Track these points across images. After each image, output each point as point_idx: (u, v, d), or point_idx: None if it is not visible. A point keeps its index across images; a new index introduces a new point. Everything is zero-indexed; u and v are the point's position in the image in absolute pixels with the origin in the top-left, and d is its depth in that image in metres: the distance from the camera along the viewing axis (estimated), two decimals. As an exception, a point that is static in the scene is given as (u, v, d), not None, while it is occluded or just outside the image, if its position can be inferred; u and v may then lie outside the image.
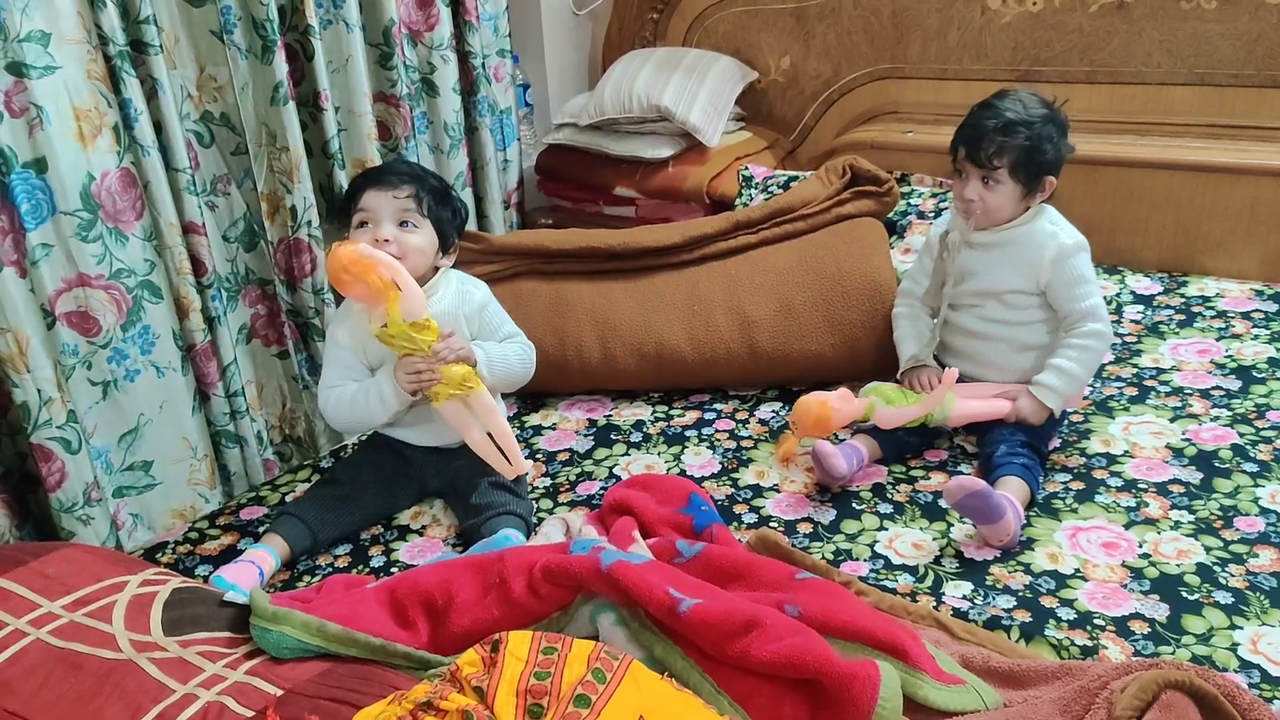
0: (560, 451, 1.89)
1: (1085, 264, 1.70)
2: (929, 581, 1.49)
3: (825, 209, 2.05)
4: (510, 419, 1.92)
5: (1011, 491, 1.57)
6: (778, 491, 1.72)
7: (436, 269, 1.69)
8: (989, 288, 1.74)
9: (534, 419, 2.00)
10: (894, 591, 1.47)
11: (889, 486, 1.70)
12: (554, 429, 1.96)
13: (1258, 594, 1.40)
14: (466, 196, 2.42)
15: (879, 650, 1.22)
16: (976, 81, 2.52)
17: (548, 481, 1.79)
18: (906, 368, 1.80)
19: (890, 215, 2.27)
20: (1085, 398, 1.87)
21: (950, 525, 1.60)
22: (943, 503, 1.62)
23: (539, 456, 1.88)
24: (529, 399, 2.05)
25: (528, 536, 1.60)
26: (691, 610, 1.20)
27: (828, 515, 1.65)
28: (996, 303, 1.74)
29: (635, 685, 0.99)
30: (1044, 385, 1.68)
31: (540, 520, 1.68)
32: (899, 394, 1.75)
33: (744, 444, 1.85)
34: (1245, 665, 1.29)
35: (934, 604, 1.45)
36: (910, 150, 2.52)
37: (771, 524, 1.64)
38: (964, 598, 1.45)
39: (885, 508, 1.66)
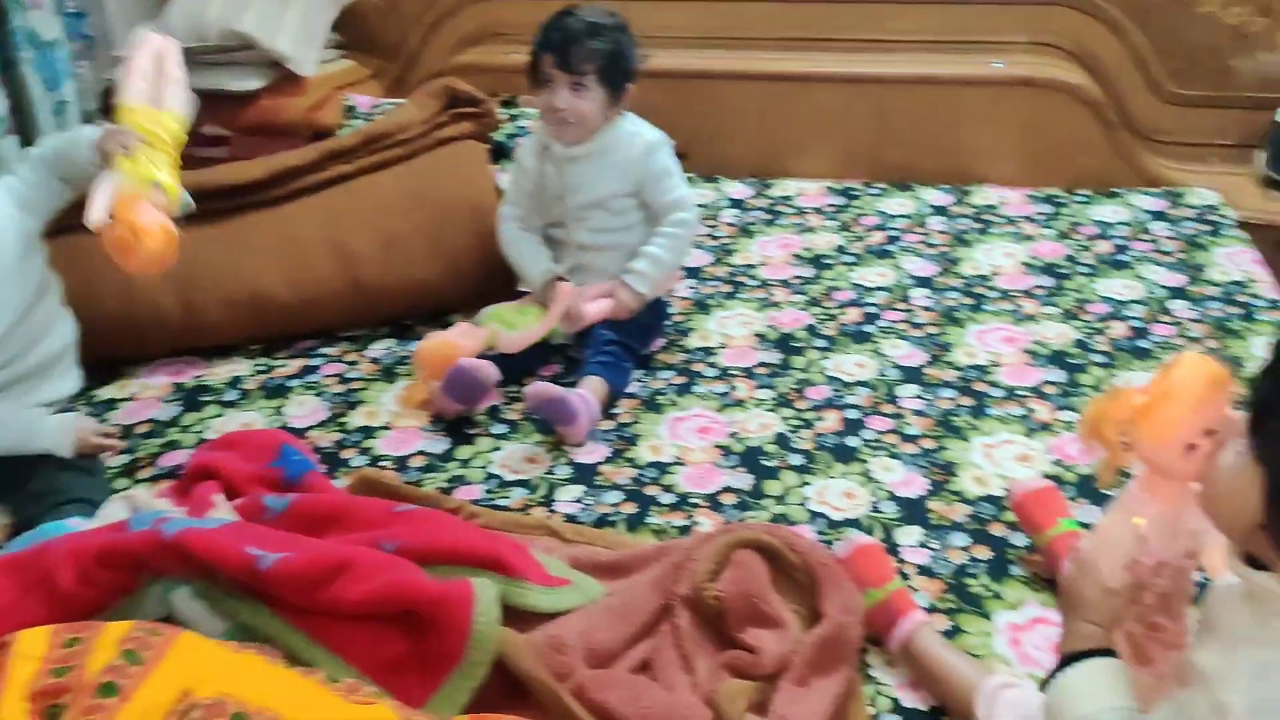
0: (140, 423, 1.70)
1: (669, 157, 1.78)
2: (542, 492, 1.51)
3: (424, 133, 1.99)
4: (77, 395, 1.69)
5: (591, 390, 1.63)
6: (389, 430, 1.67)
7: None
8: (593, 199, 1.77)
9: (106, 392, 1.77)
10: (507, 508, 1.48)
11: (502, 407, 1.71)
12: (131, 400, 1.76)
13: (823, 452, 1.56)
14: (9, 145, 2.10)
15: (480, 568, 1.22)
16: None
17: (126, 459, 1.61)
18: (545, 281, 1.77)
19: (500, 138, 2.25)
20: (685, 297, 1.98)
21: (561, 434, 1.63)
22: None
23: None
24: (98, 370, 1.77)
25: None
26: (274, 565, 1.13)
27: (440, 445, 1.63)
28: (603, 212, 1.78)
29: (180, 658, 0.91)
30: (636, 271, 1.76)
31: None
32: (518, 314, 1.75)
33: (354, 386, 1.78)
34: (814, 515, 1.43)
35: (547, 513, 1.47)
36: (517, 72, 2.49)
37: (382, 463, 1.59)
38: (575, 500, 1.49)
39: (499, 428, 1.66)
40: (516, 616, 1.21)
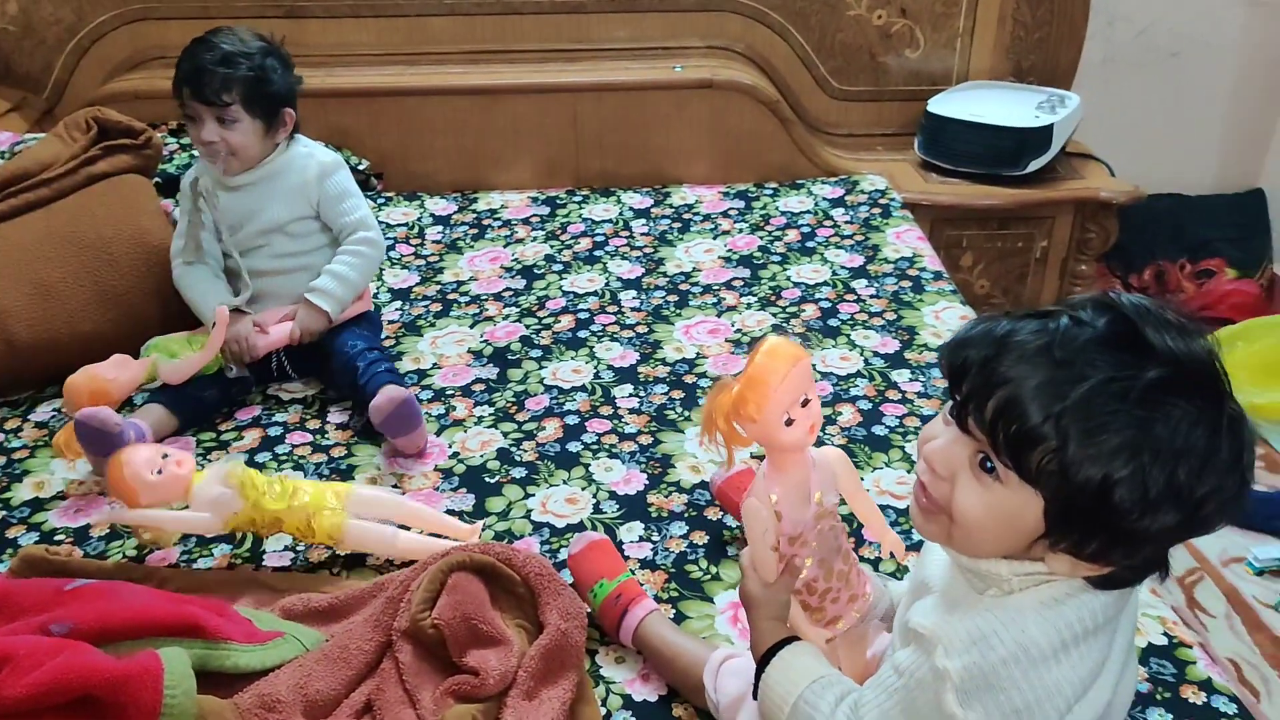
0: None
1: (346, 179, 1.72)
2: (246, 546, 1.40)
3: (71, 170, 1.79)
4: None
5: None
6: (64, 499, 1.49)
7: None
8: (268, 224, 1.67)
9: None
10: (209, 569, 1.36)
11: (199, 456, 1.57)
12: None
13: (545, 461, 1.55)
14: None
15: (171, 636, 1.11)
16: (245, 19, 2.39)
17: None
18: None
19: (172, 169, 2.08)
20: (394, 321, 1.91)
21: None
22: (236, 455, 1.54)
23: None
24: None
25: None
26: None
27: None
28: (282, 236, 1.69)
29: None
30: (320, 290, 1.68)
31: None
32: (184, 344, 1.61)
33: (17, 455, 1.57)
34: (538, 526, 1.42)
35: (254, 566, 1.37)
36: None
37: (58, 537, 1.42)
38: (286, 549, 1.39)
39: (194, 480, 1.52)
40: (223, 681, 1.11)
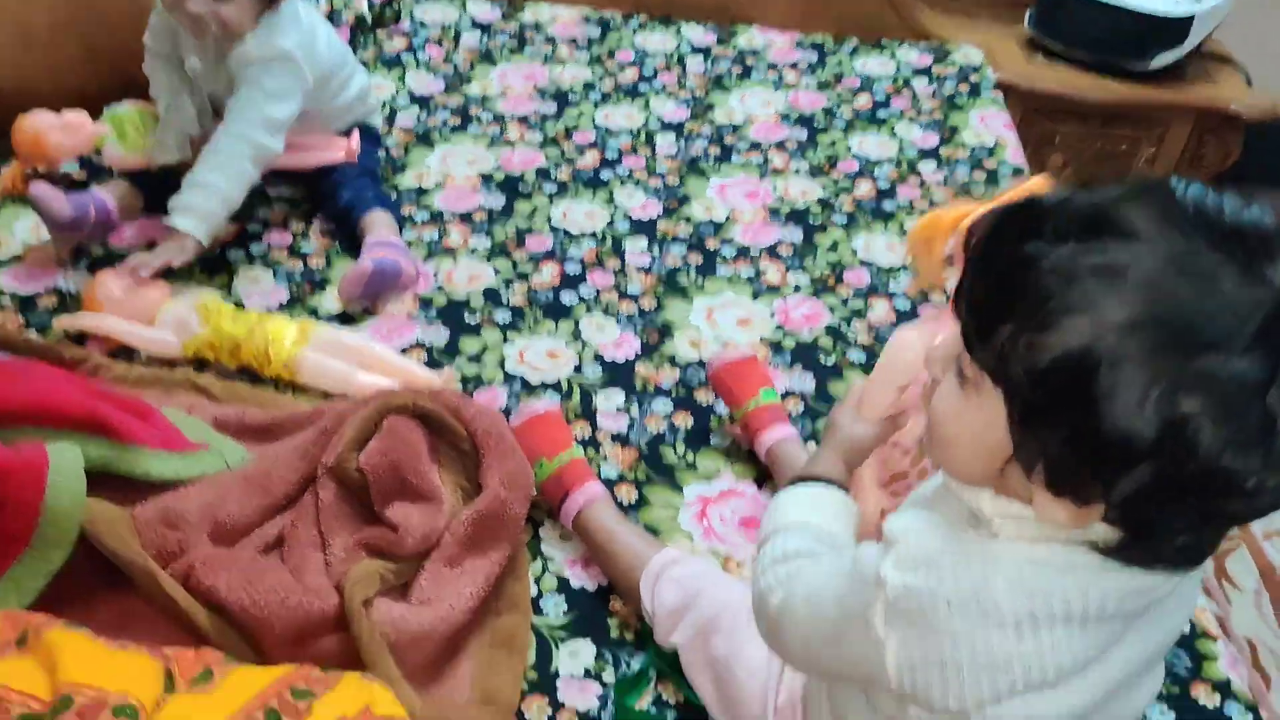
0: None
1: (277, 74, 1.37)
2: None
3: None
4: None
5: (387, 230, 1.44)
6: (19, 261, 1.38)
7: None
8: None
9: None
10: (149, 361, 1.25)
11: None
12: None
13: (534, 308, 1.40)
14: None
15: (74, 430, 1.00)
16: None
17: None
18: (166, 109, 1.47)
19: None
20: (408, 129, 1.74)
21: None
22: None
23: None
24: None
25: None
26: None
27: (81, 279, 1.36)
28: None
29: None
30: (181, 209, 1.34)
31: None
32: (137, 124, 1.45)
33: (-23, 209, 1.46)
34: (509, 378, 1.28)
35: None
36: None
37: (2, 300, 1.31)
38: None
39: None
40: (130, 488, 1.01)
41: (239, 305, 1.35)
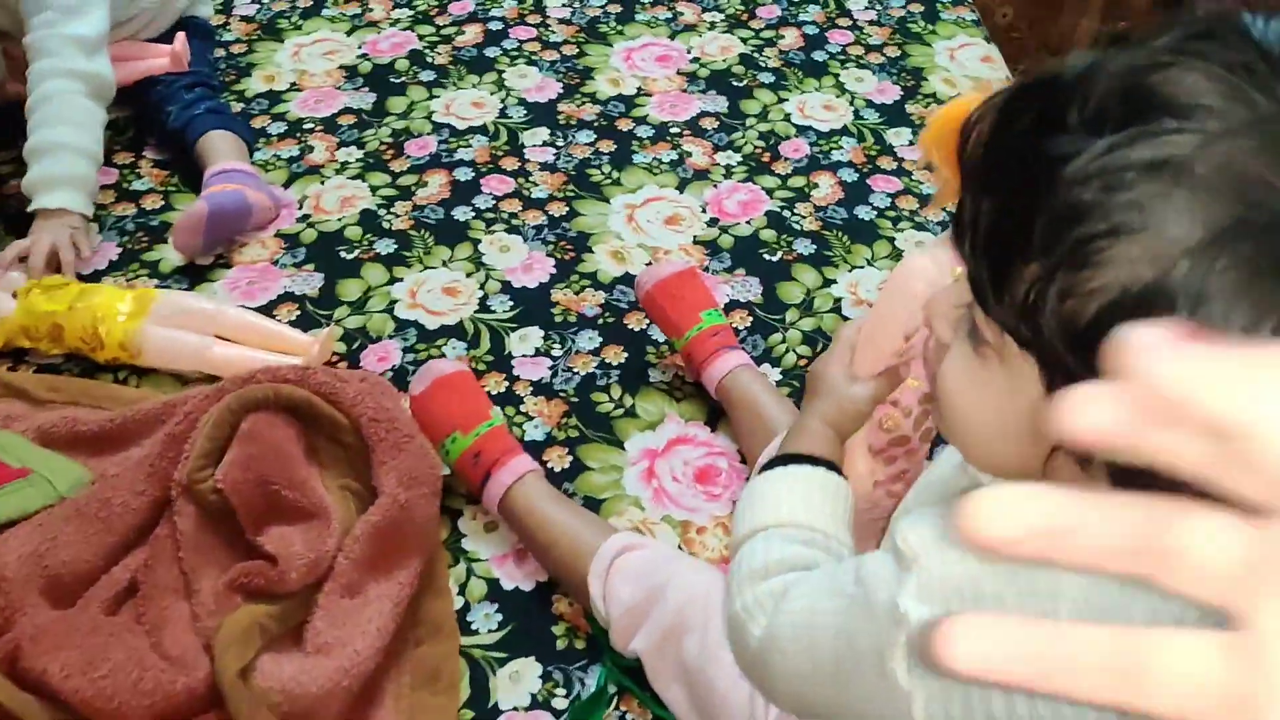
0: None
1: None
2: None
3: None
4: None
5: (228, 151, 1.19)
6: None
7: None
8: None
9: None
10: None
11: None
12: None
13: (422, 232, 1.17)
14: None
15: None
16: None
17: None
18: None
19: None
20: (247, 19, 1.45)
21: None
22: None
23: None
24: None
25: None
26: None
27: None
28: None
29: None
30: (38, 182, 1.10)
31: None
32: None
33: None
34: (402, 325, 1.07)
35: (9, 365, 1.02)
36: None
37: None
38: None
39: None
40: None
41: (55, 272, 1.10)
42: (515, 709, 0.78)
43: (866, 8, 1.54)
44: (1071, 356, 0.38)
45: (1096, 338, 0.36)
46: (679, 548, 0.87)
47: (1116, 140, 0.36)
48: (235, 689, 0.70)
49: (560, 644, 0.82)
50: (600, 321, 1.07)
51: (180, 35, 1.26)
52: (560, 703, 0.79)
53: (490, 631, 0.82)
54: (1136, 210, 0.35)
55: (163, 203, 1.21)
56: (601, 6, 1.51)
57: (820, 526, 0.61)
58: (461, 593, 0.84)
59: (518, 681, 0.80)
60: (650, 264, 1.12)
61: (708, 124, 1.33)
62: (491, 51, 1.42)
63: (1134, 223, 0.35)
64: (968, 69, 1.43)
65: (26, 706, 0.70)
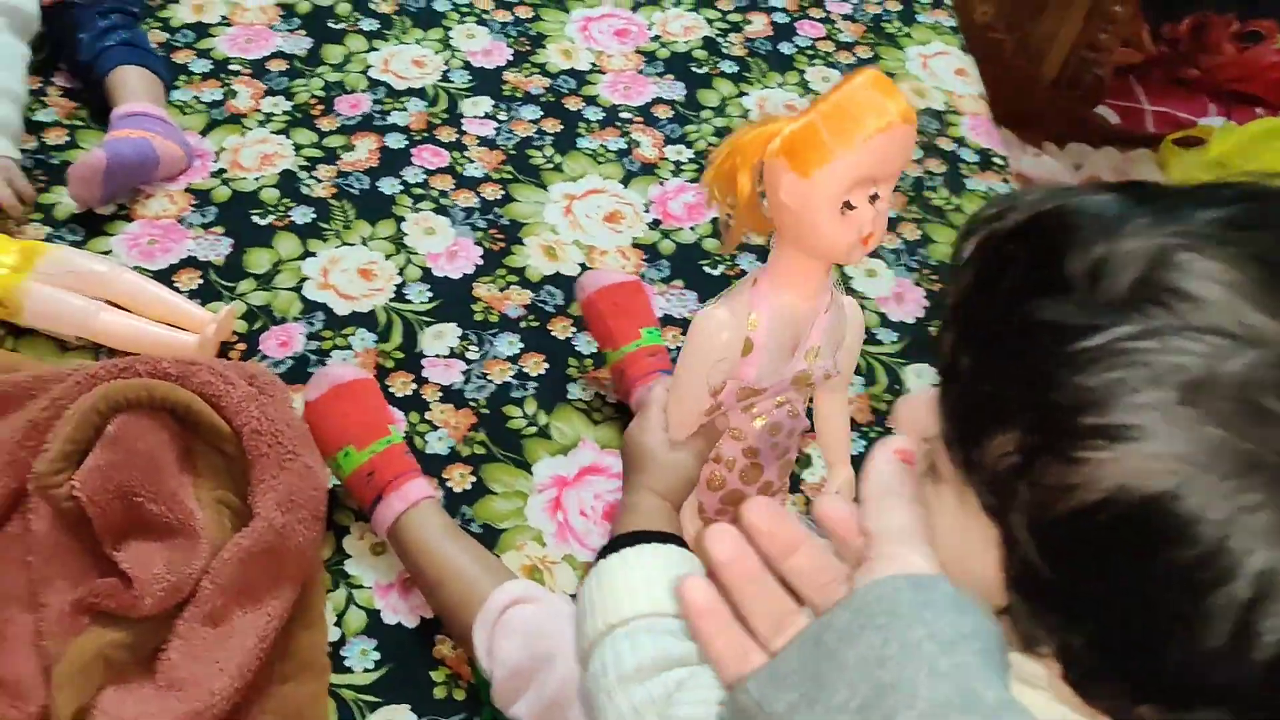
0: None
1: None
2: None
3: None
4: None
5: (140, 91, 1.08)
6: None
7: None
8: None
9: None
10: None
11: None
12: None
13: (343, 203, 1.09)
14: None
15: None
16: None
17: None
18: None
19: None
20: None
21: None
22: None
23: None
24: None
25: None
26: None
27: None
28: None
29: None
30: None
31: None
32: None
33: None
34: (311, 307, 1.00)
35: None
36: None
37: None
38: None
39: None
40: None
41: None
42: (382, 759, 0.74)
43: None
44: (1034, 547, 0.34)
45: (1066, 536, 0.33)
46: (575, 594, 0.83)
47: (1133, 331, 0.31)
48: (69, 730, 0.64)
49: (439, 692, 0.77)
50: (523, 324, 1.01)
51: None
52: (432, 756, 0.74)
53: (365, 671, 0.77)
54: (1146, 413, 0.31)
55: (67, 138, 1.11)
56: (565, -34, 1.42)
57: (668, 609, 0.57)
58: (339, 623, 0.79)
59: (388, 728, 0.75)
60: (591, 269, 1.05)
61: (661, 112, 1.25)
62: (441, 5, 1.33)
63: (1138, 430, 0.31)
64: (940, 80, 1.37)
65: None
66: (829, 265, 0.63)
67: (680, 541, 0.61)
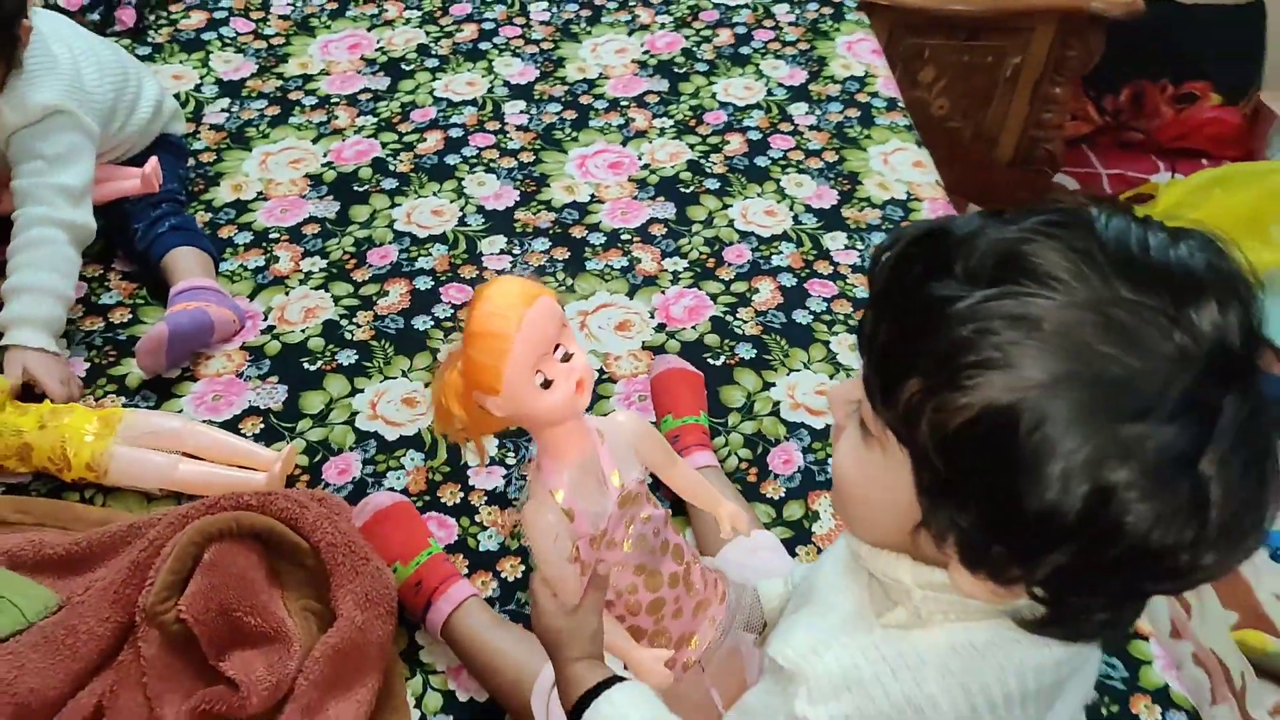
0: None
1: (55, 132, 1.17)
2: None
3: None
4: None
5: (193, 268, 1.23)
6: None
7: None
8: None
9: None
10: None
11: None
12: None
13: (382, 343, 1.22)
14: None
15: None
16: None
17: None
18: None
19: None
20: (218, 126, 1.50)
21: None
22: None
23: None
24: None
25: None
26: None
27: None
28: None
29: None
30: (17, 321, 1.13)
31: None
32: None
33: None
34: (363, 437, 1.12)
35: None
36: None
37: None
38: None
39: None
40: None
41: (28, 386, 1.13)
42: (469, 825, 0.82)
43: (807, 113, 1.62)
44: (937, 455, 0.48)
45: (956, 444, 0.47)
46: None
47: (990, 294, 0.46)
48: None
49: (514, 758, 0.86)
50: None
51: (153, 160, 1.29)
52: (512, 817, 0.82)
53: (445, 745, 0.86)
54: (999, 350, 0.45)
55: (130, 316, 1.25)
56: (557, 113, 1.58)
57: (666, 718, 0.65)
58: (418, 705, 0.88)
59: (472, 795, 0.83)
60: (662, 354, 1.21)
61: (656, 230, 1.40)
62: (452, 159, 1.49)
63: (997, 360, 0.45)
64: (900, 173, 1.51)
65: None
66: (573, 418, 0.67)
67: (621, 679, 0.67)
